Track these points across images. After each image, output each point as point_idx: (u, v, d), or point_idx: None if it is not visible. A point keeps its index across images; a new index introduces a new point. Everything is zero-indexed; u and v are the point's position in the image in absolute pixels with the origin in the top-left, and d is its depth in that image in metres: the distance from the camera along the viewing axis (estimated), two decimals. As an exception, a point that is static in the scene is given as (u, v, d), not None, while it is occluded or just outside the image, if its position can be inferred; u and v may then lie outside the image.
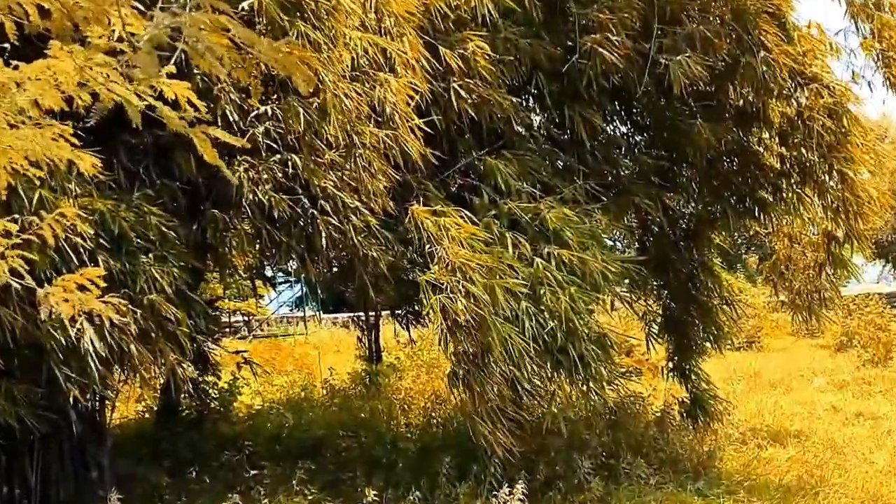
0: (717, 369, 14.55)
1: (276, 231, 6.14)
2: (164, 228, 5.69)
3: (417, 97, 5.93)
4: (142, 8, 2.44)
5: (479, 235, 6.09)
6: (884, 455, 9.95)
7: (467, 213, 6.26)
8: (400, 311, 13.48)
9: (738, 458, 9.63)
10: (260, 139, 5.74)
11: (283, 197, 5.82)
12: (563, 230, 6.51)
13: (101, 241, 5.26)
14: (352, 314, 21.20)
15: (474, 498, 6.95)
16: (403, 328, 14.83)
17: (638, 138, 9.75)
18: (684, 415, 10.24)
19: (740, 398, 13.39)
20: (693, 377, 10.32)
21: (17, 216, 4.38)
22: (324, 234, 5.98)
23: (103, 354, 4.94)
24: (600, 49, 6.88)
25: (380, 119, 5.83)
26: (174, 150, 5.52)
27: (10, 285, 3.60)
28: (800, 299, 10.28)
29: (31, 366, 5.54)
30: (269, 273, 12.37)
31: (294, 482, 6.83)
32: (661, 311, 10.39)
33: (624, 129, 9.66)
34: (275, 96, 5.69)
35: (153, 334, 5.43)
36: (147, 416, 11.16)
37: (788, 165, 9.14)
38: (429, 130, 6.17)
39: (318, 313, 27.05)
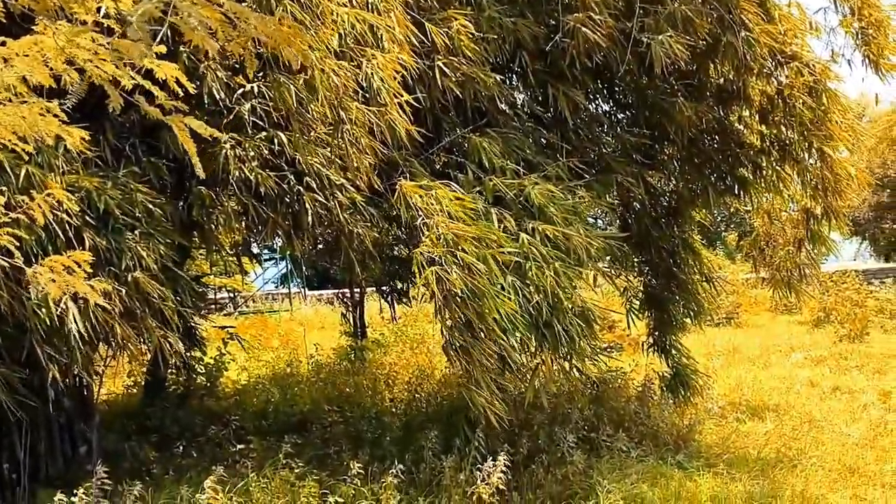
0: (696, 345, 14.64)
1: (263, 208, 6.13)
2: (150, 206, 5.68)
3: (405, 73, 5.92)
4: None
5: (470, 206, 6.09)
6: (859, 428, 10.09)
7: (456, 186, 6.26)
8: (385, 288, 13.52)
9: (718, 431, 9.74)
10: (246, 116, 5.72)
11: (270, 174, 5.82)
12: (547, 206, 6.52)
13: (88, 218, 5.24)
14: (337, 291, 21.20)
15: (458, 471, 6.96)
16: (388, 304, 14.88)
17: (620, 116, 9.78)
18: (665, 389, 10.30)
19: (719, 373, 13.51)
20: (673, 352, 10.38)
21: (3, 190, 4.37)
22: (310, 211, 5.98)
23: (86, 335, 4.92)
24: (583, 28, 6.86)
25: (367, 95, 5.81)
26: (161, 128, 5.49)
27: (-1, 264, 3.59)
28: (779, 275, 10.33)
29: (16, 345, 5.53)
30: (255, 250, 12.32)
31: (280, 456, 6.83)
32: (642, 288, 10.44)
33: (606, 108, 9.69)
34: (261, 73, 5.67)
35: (138, 311, 5.42)
36: (134, 391, 11.14)
37: (768, 143, 9.21)
38: (415, 106, 6.17)
39: (303, 290, 27.03)
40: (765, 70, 8.31)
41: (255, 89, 5.72)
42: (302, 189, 6.00)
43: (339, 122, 5.64)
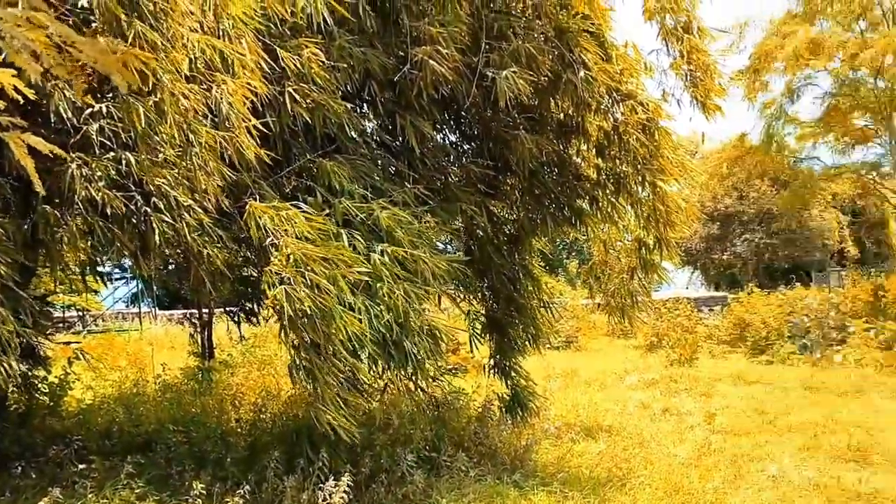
0: (537, 367, 15.05)
1: (109, 227, 6.06)
2: (-11, 225, 5.56)
3: (255, 99, 5.98)
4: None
5: (321, 227, 6.16)
6: (686, 448, 10.55)
7: (306, 207, 6.34)
8: (233, 308, 13.41)
9: (554, 451, 10.02)
10: (94, 136, 5.67)
11: (117, 194, 5.77)
12: (395, 230, 6.66)
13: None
14: (186, 311, 20.82)
15: (300, 491, 7.03)
16: (236, 325, 14.75)
17: (466, 147, 9.99)
18: (504, 410, 10.59)
19: (557, 395, 13.91)
20: (513, 374, 10.68)
21: None
22: (157, 232, 5.95)
23: None
24: (431, 61, 7.04)
25: (216, 119, 5.85)
26: (3, 146, 5.39)
27: None
28: (614, 301, 10.76)
29: None
30: (105, 269, 12.01)
31: (122, 476, 6.73)
32: (484, 312, 10.70)
33: (453, 138, 9.88)
34: (110, 94, 5.64)
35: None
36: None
37: (604, 176, 9.57)
38: (265, 131, 6.23)
39: (153, 309, 26.35)
40: (602, 107, 8.66)
41: (104, 110, 5.69)
42: (150, 210, 5.97)
43: (188, 145, 5.66)
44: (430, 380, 7.69)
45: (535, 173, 9.37)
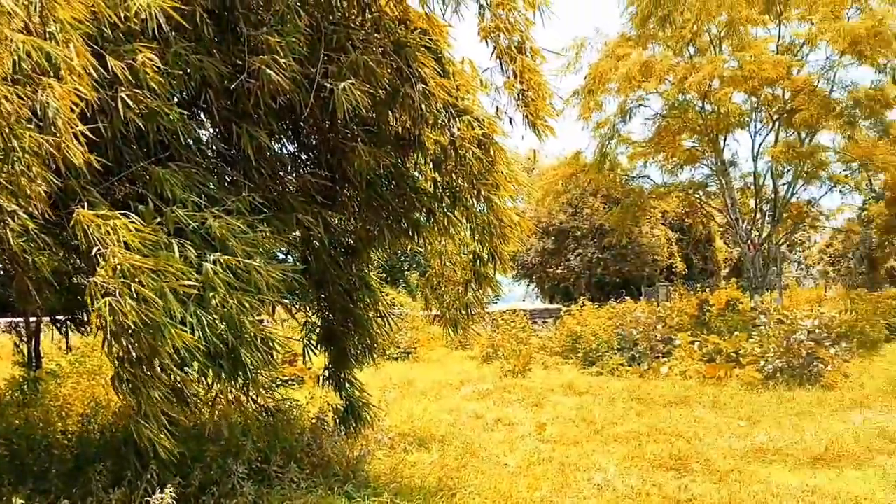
0: (374, 378, 15.18)
1: (-76, 232, 5.82)
2: None
3: (83, 105, 5.84)
4: None
5: (148, 237, 6.05)
6: (516, 457, 10.88)
7: (136, 216, 6.20)
8: (60, 317, 12.97)
9: (387, 461, 10.15)
10: None
11: (-68, 197, 5.55)
12: (229, 239, 6.60)
13: None
14: (11, 319, 19.93)
15: (126, 504, 6.92)
16: (63, 335, 14.27)
17: (304, 157, 9.99)
18: (338, 421, 10.64)
19: (393, 405, 14.05)
20: (347, 386, 10.76)
21: None
22: (-23, 237, 5.76)
23: None
24: (268, 70, 7.01)
25: (42, 124, 5.69)
26: None
27: None
28: (449, 313, 10.97)
29: None
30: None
31: (-68, 492, 6.46)
32: (320, 323, 10.72)
33: (291, 148, 9.84)
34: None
35: None
36: None
37: (441, 190, 9.73)
38: (94, 138, 6.09)
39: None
40: (440, 121, 8.76)
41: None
42: (-31, 215, 5.78)
43: (11, 150, 5.48)
44: (263, 391, 7.66)
45: (373, 185, 9.45)
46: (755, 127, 30.34)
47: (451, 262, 10.97)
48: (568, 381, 18.90)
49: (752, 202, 31.99)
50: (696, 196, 33.41)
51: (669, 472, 10.15)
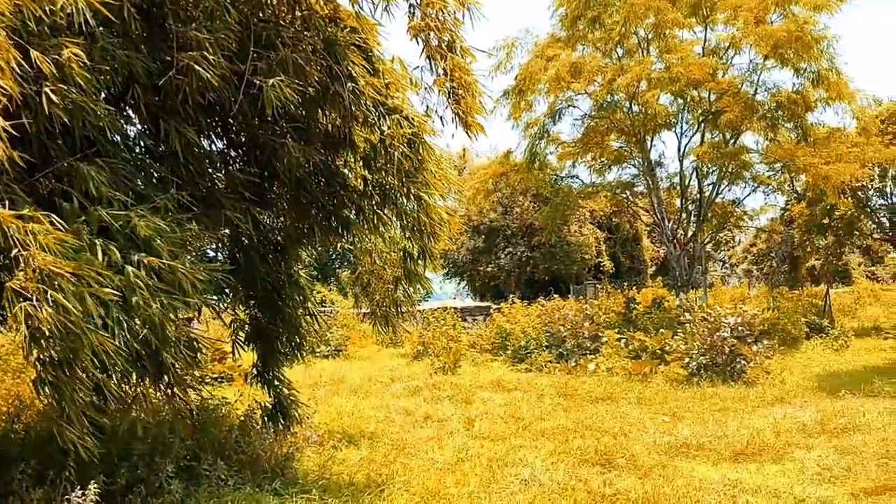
0: (304, 376, 15.18)
1: None
2: None
3: (5, 100, 5.75)
4: None
5: (69, 241, 5.95)
6: (445, 453, 11.00)
7: (57, 218, 6.10)
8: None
9: (316, 458, 10.20)
10: None
11: None
12: (154, 239, 6.53)
13: None
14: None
15: (49, 502, 6.83)
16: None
17: (233, 154, 9.92)
18: (267, 419, 10.62)
19: (322, 403, 14.09)
20: (276, 383, 10.74)
21: None
22: None
23: None
24: (197, 66, 6.95)
25: (-39, 118, 5.59)
26: None
27: None
28: (379, 311, 11.02)
29: None
30: None
31: None
32: (249, 321, 10.68)
33: (220, 145, 9.75)
34: None
35: None
36: None
37: (371, 188, 9.73)
38: (16, 134, 5.99)
39: None
40: (369, 120, 8.80)
41: None
42: None
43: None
44: (189, 390, 7.63)
45: (303, 182, 9.44)
46: (681, 128, 30.91)
47: (381, 259, 11.03)
48: (497, 377, 19.11)
49: (678, 202, 32.52)
50: (624, 196, 33.88)
51: (595, 468, 10.32)
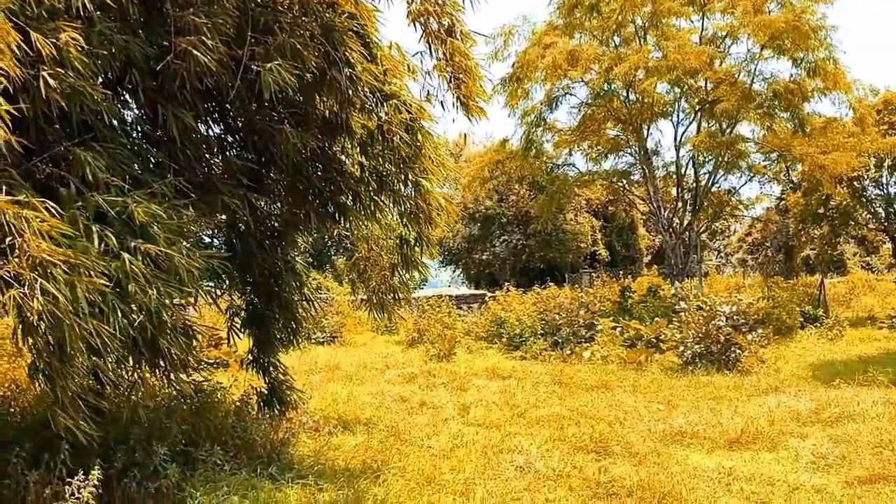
0: (300, 362, 15.20)
1: None
2: None
3: (5, 82, 5.74)
4: None
5: (64, 229, 5.92)
6: (440, 440, 11.02)
7: (52, 204, 6.08)
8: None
9: (311, 444, 10.24)
10: None
11: None
12: (151, 225, 6.51)
13: None
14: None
15: (44, 486, 6.85)
16: (-23, 316, 13.94)
17: (230, 140, 9.92)
18: (262, 404, 10.65)
19: (317, 388, 14.14)
20: (272, 369, 10.77)
21: None
22: None
23: None
24: (195, 51, 6.92)
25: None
26: None
27: None
28: (375, 297, 11.03)
29: None
30: None
31: None
32: (245, 306, 10.70)
33: (217, 130, 9.74)
34: None
35: None
36: None
37: (367, 174, 9.73)
38: (16, 114, 5.98)
39: None
40: (367, 106, 8.78)
41: None
42: None
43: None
44: (186, 376, 7.65)
45: (300, 168, 9.43)
46: (678, 117, 30.93)
47: (377, 246, 11.02)
48: (492, 365, 19.15)
49: (674, 191, 32.55)
50: (620, 184, 33.89)
51: (590, 455, 10.35)
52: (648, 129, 30.84)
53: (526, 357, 20.88)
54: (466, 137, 21.38)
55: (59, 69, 6.22)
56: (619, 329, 21.55)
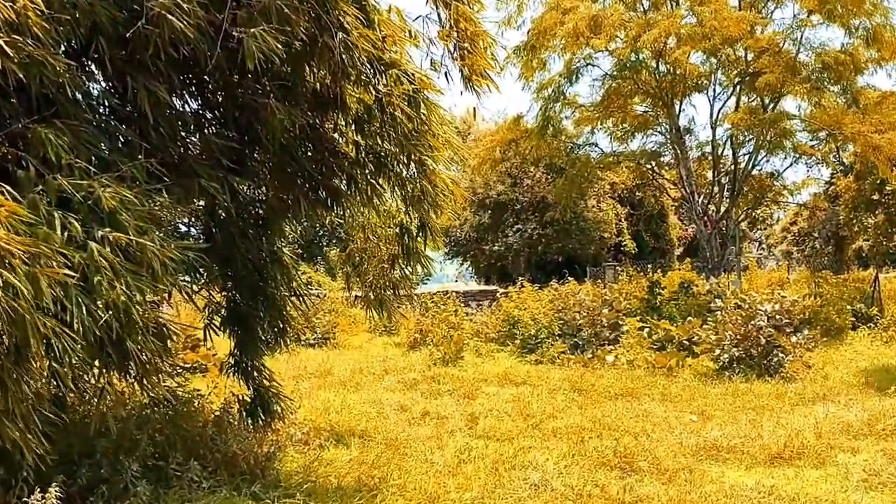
0: (288, 367, 15.20)
1: None
2: None
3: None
4: None
5: (22, 215, 5.90)
6: (445, 455, 10.98)
7: (9, 188, 6.06)
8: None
9: (300, 458, 10.22)
10: None
11: None
12: (120, 212, 6.48)
13: None
14: None
15: (2, 505, 6.87)
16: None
17: (209, 116, 9.89)
18: (245, 414, 10.64)
19: (307, 396, 14.13)
20: (256, 374, 10.74)
21: None
22: None
23: None
24: (169, 15, 6.85)
25: None
26: None
27: None
28: (373, 293, 11.01)
29: None
30: None
31: None
32: (226, 303, 10.68)
33: (195, 105, 9.70)
34: None
35: None
36: None
37: (364, 154, 9.69)
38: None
39: None
40: (363, 77, 8.68)
41: None
42: None
43: None
44: (158, 381, 7.64)
45: (287, 148, 9.38)
46: (714, 91, 30.88)
47: (375, 235, 10.99)
48: (504, 370, 19.12)
49: (709, 174, 32.53)
50: (648, 167, 33.82)
51: (614, 471, 10.31)
52: (681, 105, 30.78)
53: (542, 361, 20.84)
54: (476, 112, 21.31)
55: (15, 36, 6.18)
56: (646, 330, 21.51)
